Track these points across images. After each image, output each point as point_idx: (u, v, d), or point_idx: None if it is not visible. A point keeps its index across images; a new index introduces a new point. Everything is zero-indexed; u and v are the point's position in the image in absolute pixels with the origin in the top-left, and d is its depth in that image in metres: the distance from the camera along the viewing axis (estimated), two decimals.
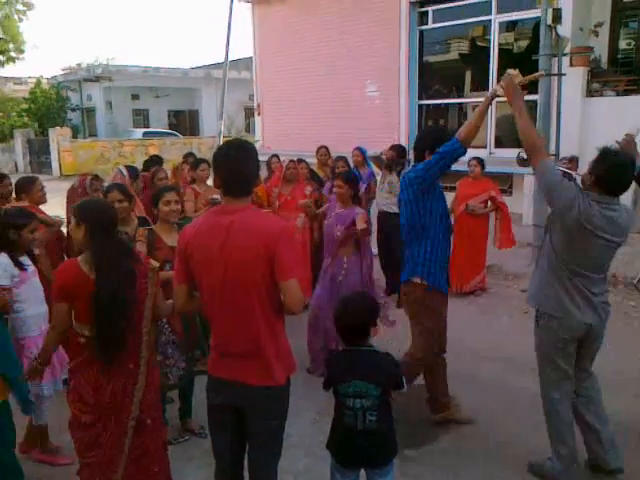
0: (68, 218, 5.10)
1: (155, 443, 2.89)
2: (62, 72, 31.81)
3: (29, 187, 4.64)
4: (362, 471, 2.81)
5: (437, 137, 3.61)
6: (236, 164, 2.47)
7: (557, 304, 3.23)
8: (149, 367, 2.84)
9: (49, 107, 28.48)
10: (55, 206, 5.29)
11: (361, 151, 7.23)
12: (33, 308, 3.53)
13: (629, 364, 4.85)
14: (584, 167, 3.48)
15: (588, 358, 3.40)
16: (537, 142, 3.18)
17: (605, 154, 3.09)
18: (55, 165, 22.19)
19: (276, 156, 7.55)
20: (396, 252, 6.66)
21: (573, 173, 3.68)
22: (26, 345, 3.48)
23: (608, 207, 3.09)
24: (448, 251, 3.79)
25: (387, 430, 2.71)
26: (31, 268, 3.57)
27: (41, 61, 70.92)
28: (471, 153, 7.25)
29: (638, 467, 3.50)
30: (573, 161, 6.91)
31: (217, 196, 6.11)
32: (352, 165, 7.15)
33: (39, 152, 23.58)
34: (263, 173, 7.48)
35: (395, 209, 6.51)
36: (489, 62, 10.85)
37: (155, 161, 6.90)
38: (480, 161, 6.68)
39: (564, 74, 7.52)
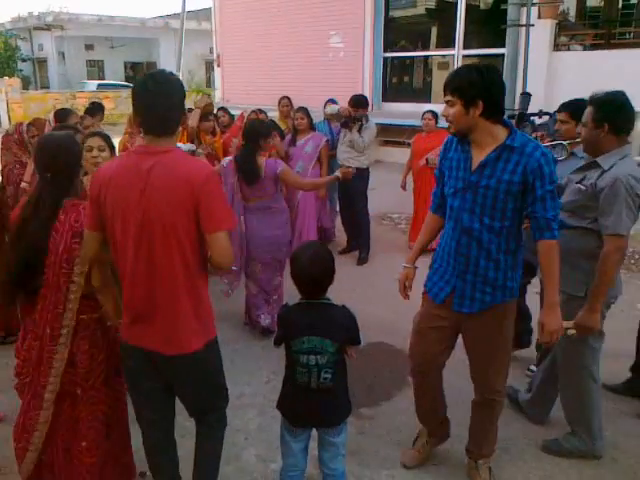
0: (3, 166, 4.74)
1: (86, 416, 2.61)
2: (10, 20, 30.17)
3: None
4: (314, 431, 2.64)
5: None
6: (155, 99, 2.14)
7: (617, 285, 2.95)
8: (75, 340, 2.55)
9: None
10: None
11: (333, 103, 6.92)
12: None
13: None
14: None
15: None
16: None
17: (608, 98, 2.82)
18: (4, 117, 21.11)
19: (223, 109, 7.20)
20: (355, 207, 6.47)
21: (563, 142, 3.36)
22: None
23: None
24: (448, 254, 2.69)
25: (341, 389, 2.52)
26: None
27: None
28: (429, 107, 7.06)
29: None
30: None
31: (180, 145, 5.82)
32: (323, 118, 6.88)
33: None
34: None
35: (356, 163, 6.28)
36: (456, 17, 10.57)
37: (97, 109, 6.56)
38: (434, 114, 6.48)
39: (532, 25, 7.34)
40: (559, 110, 3.65)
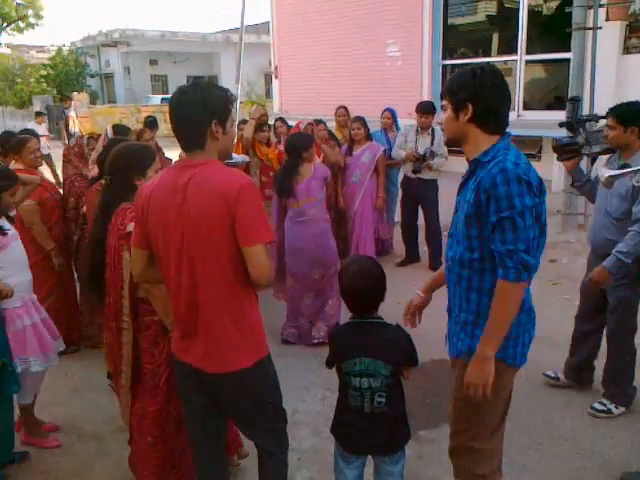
0: (64, 178, 4.85)
1: (152, 412, 2.71)
2: (82, 38, 31.55)
3: (19, 149, 4.08)
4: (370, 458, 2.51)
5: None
6: (178, 114, 2.09)
7: None
8: (139, 338, 2.72)
9: (68, 73, 28.34)
10: None
11: (391, 112, 6.82)
12: (15, 276, 3.09)
13: None
14: None
15: None
16: None
17: None
18: (74, 131, 22.03)
19: (281, 119, 7.16)
20: (428, 215, 6.44)
21: None
22: (7, 318, 3.04)
23: None
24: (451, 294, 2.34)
25: (398, 414, 2.38)
26: (11, 232, 3.17)
27: (65, 30, 70.59)
28: None
29: None
30: None
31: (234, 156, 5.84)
32: (380, 127, 6.78)
33: (58, 118, 23.47)
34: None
35: (428, 175, 6.18)
36: (517, 24, 10.24)
37: (154, 122, 6.91)
38: None
39: (600, 27, 6.97)
40: (607, 114, 3.34)
